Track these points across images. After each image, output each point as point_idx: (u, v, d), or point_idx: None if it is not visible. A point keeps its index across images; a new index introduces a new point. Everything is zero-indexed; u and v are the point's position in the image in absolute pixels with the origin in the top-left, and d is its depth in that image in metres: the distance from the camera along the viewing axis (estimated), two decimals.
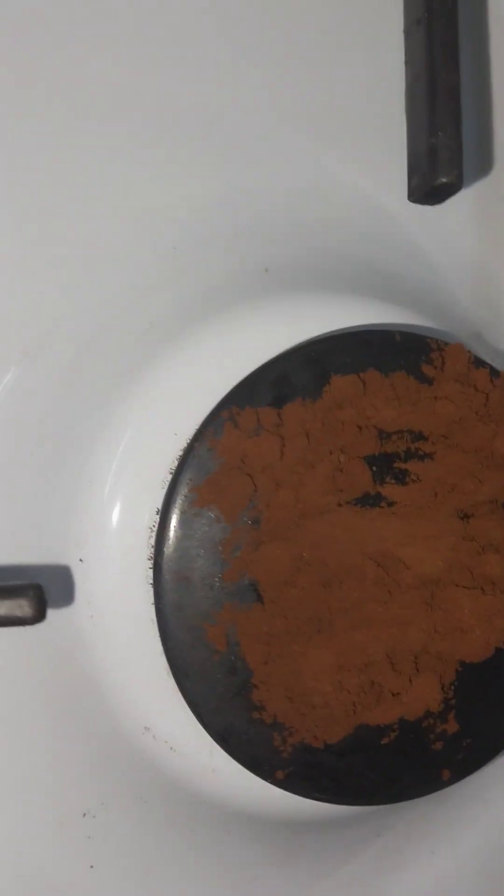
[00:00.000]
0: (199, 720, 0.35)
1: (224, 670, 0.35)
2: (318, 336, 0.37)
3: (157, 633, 0.35)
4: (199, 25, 0.36)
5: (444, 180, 0.33)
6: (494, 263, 0.38)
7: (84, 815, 0.38)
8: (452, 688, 0.37)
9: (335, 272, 0.40)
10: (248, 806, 0.40)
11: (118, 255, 0.39)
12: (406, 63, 0.35)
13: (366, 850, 0.44)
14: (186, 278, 0.40)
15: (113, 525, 0.37)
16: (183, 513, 0.35)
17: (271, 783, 0.36)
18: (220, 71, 0.37)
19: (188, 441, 0.35)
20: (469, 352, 0.38)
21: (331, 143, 0.38)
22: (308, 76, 0.37)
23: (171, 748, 0.38)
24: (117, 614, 0.36)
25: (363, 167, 0.38)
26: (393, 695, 0.36)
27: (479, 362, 0.38)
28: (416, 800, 0.40)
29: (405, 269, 0.39)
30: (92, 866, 0.38)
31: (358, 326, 0.38)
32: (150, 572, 0.35)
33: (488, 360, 0.38)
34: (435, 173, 0.33)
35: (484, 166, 0.37)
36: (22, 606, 0.31)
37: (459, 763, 0.37)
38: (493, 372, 0.38)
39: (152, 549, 0.35)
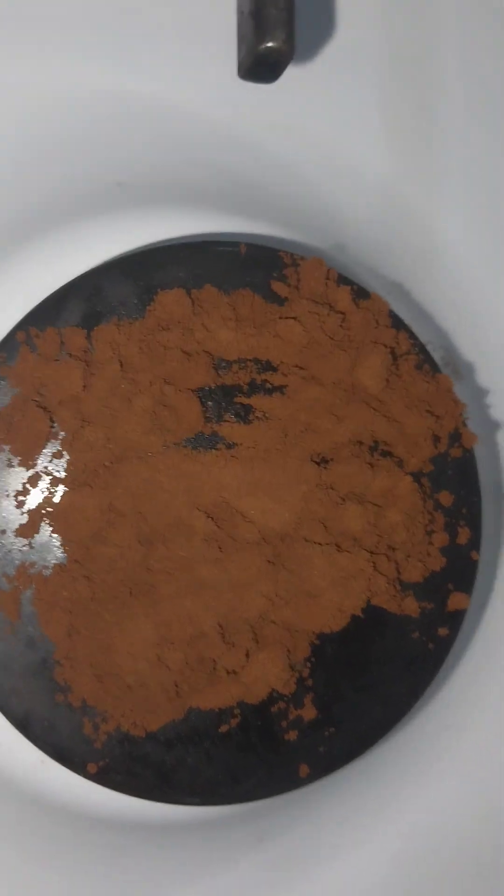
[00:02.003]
0: None
1: (20, 644, 0.29)
2: (144, 246, 0.31)
3: None
4: None
5: (269, 45, 0.27)
6: (363, 159, 0.32)
7: None
8: (308, 665, 0.31)
9: (186, 183, 0.34)
10: (88, 804, 0.34)
11: None
12: None
13: (245, 857, 0.38)
14: (16, 196, 0.34)
15: None
16: None
17: (84, 777, 0.30)
18: None
19: None
20: (329, 267, 0.31)
21: (170, 51, 0.32)
22: None
23: None
24: None
25: (208, 75, 0.32)
26: (228, 673, 0.30)
27: (342, 279, 0.32)
28: (309, 797, 0.35)
29: (260, 175, 0.33)
30: None
31: (194, 236, 0.32)
32: None
33: (355, 279, 0.32)
34: (260, 37, 0.27)
35: (327, 33, 0.30)
36: None
37: (321, 756, 0.31)
38: (360, 292, 0.32)
39: None
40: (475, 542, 0.32)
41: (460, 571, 0.32)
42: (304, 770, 0.31)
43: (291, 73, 0.30)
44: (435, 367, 0.32)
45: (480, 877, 0.33)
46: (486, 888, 0.35)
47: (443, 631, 0.32)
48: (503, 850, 0.34)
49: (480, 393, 0.34)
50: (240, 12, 0.29)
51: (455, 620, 0.32)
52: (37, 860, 0.33)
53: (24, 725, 0.29)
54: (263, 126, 0.31)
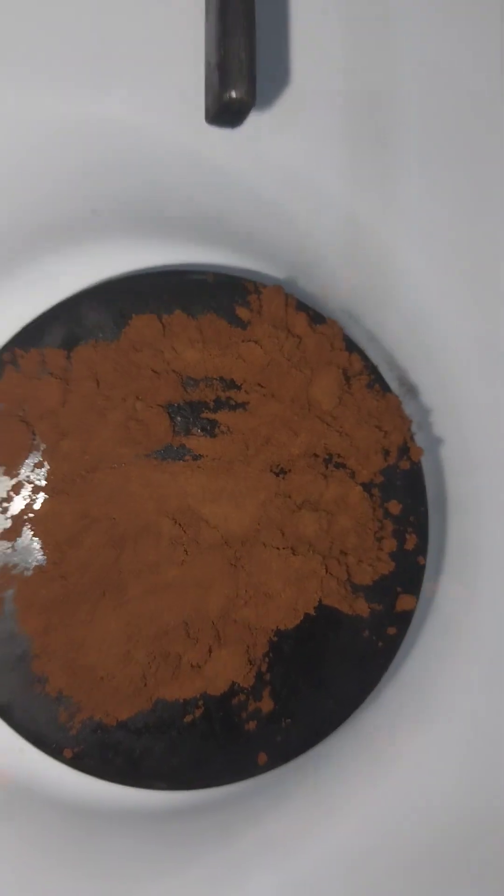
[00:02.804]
0: None
1: (1, 639, 0.32)
2: (120, 275, 0.34)
3: None
4: None
5: (233, 95, 0.30)
6: (320, 196, 0.35)
7: None
8: (266, 660, 0.33)
9: (158, 215, 0.37)
10: (59, 793, 0.36)
11: None
12: None
13: (213, 851, 0.40)
14: (3, 222, 0.37)
15: None
16: None
17: (60, 762, 0.32)
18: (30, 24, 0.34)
19: None
20: (288, 295, 0.34)
21: (139, 89, 0.35)
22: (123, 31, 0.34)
23: None
24: None
25: (179, 111, 0.35)
26: (192, 667, 0.32)
27: (301, 306, 0.35)
28: (268, 791, 0.37)
29: (227, 210, 0.36)
30: None
31: (168, 266, 0.35)
32: None
33: (313, 306, 0.35)
34: (225, 87, 0.30)
35: (286, 82, 0.34)
36: None
37: (278, 746, 0.34)
38: (317, 317, 0.35)
39: None
40: (422, 548, 0.35)
41: (408, 575, 0.35)
42: (262, 758, 0.34)
43: (254, 117, 0.33)
44: (385, 387, 0.35)
45: (431, 858, 0.36)
46: (436, 871, 0.38)
47: (391, 630, 0.35)
48: (452, 833, 0.37)
49: (425, 411, 0.37)
50: (207, 63, 0.32)
51: (403, 620, 0.35)
52: (14, 843, 0.36)
53: (5, 713, 0.32)
54: (230, 165, 0.34)
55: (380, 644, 0.35)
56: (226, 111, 0.31)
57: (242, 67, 0.30)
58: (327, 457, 0.34)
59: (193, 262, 0.35)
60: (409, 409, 0.36)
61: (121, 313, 0.33)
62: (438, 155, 0.37)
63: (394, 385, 0.38)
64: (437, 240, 0.38)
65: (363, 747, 0.37)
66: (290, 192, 0.35)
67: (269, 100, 0.34)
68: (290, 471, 0.33)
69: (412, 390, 0.39)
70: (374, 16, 0.35)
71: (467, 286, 0.38)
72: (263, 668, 0.33)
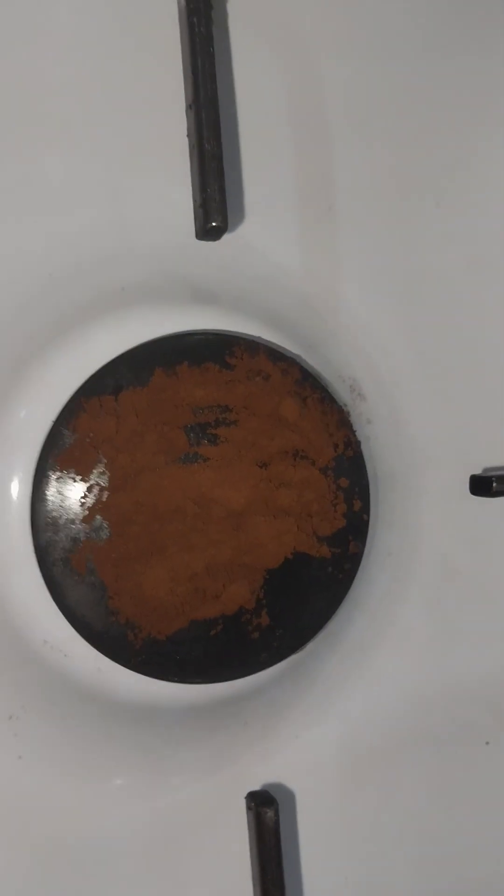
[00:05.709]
0: (73, 626, 0.48)
1: (87, 588, 0.48)
2: (146, 341, 0.51)
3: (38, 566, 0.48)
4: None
5: (213, 224, 0.46)
6: (265, 287, 0.52)
7: (10, 717, 0.50)
8: (262, 591, 0.50)
9: (167, 289, 0.53)
10: (127, 697, 0.53)
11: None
12: (187, 136, 0.49)
13: (236, 736, 0.56)
14: (58, 299, 0.53)
15: (9, 492, 0.50)
16: (47, 476, 0.48)
17: (130, 669, 0.49)
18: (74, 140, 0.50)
19: (51, 425, 0.49)
20: (260, 345, 0.51)
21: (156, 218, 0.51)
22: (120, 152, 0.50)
23: (65, 655, 0.51)
24: (7, 556, 0.49)
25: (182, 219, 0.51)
26: (214, 597, 0.49)
27: (267, 351, 0.51)
28: (271, 689, 0.53)
29: (215, 290, 0.52)
30: (20, 757, 0.50)
31: (177, 332, 0.51)
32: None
33: (279, 350, 0.51)
34: (207, 219, 0.46)
35: (243, 212, 0.50)
36: None
37: (275, 649, 0.51)
38: (275, 357, 0.51)
39: None
40: (365, 509, 0.52)
41: (356, 528, 0.52)
42: (264, 658, 0.50)
43: (227, 235, 0.50)
44: (332, 401, 0.52)
45: (401, 732, 0.52)
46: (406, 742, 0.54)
47: (347, 566, 0.51)
48: (416, 707, 0.53)
49: (359, 418, 0.54)
50: (194, 201, 0.49)
51: (354, 560, 0.52)
52: (94, 732, 0.52)
53: (92, 638, 0.48)
54: (215, 263, 0.51)
55: (339, 576, 0.51)
56: (209, 233, 0.47)
57: (218, 206, 0.47)
58: (294, 452, 0.51)
59: (194, 329, 0.52)
60: (359, 409, 0.52)
61: (148, 368, 0.50)
62: (371, 236, 0.54)
63: (346, 392, 0.55)
64: (370, 293, 0.54)
65: (332, 648, 0.53)
66: (255, 277, 0.52)
67: (234, 224, 0.50)
68: (269, 464, 0.50)
69: (361, 395, 0.55)
70: (315, 140, 0.52)
71: (396, 325, 0.55)
72: (261, 596, 0.50)
